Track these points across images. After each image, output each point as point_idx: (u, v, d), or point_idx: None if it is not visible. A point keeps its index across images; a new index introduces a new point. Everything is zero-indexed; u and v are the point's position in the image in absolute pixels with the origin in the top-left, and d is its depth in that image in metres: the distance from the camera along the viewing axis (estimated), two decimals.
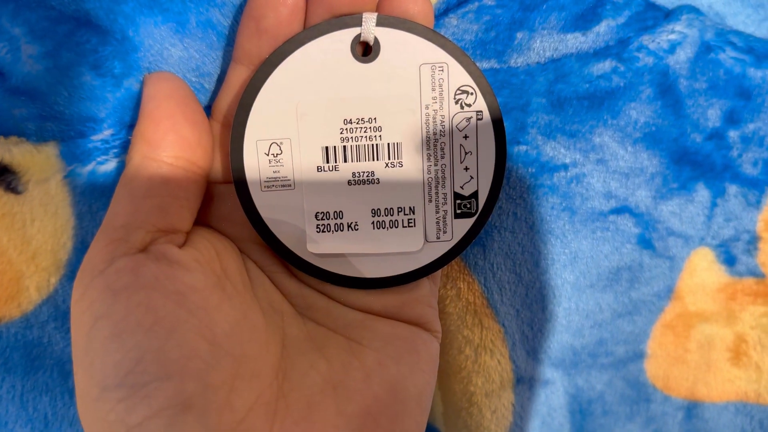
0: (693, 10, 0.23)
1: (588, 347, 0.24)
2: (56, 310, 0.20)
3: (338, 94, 0.18)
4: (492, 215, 0.22)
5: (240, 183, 0.18)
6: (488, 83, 0.18)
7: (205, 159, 0.18)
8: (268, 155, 0.18)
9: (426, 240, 0.19)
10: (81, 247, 0.20)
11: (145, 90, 0.18)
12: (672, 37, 0.22)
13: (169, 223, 0.17)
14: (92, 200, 0.20)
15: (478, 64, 0.20)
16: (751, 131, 0.24)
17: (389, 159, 0.19)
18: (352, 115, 0.18)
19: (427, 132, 0.18)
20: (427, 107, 0.18)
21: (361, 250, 0.19)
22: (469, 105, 0.18)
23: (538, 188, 0.22)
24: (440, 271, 0.21)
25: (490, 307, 0.22)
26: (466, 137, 0.18)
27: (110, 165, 0.20)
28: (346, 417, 0.17)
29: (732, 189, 0.24)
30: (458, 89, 0.18)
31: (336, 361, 0.18)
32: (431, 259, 0.19)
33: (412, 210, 0.19)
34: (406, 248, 0.19)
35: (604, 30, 0.21)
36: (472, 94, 0.18)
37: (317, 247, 0.19)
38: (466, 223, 0.19)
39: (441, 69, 0.18)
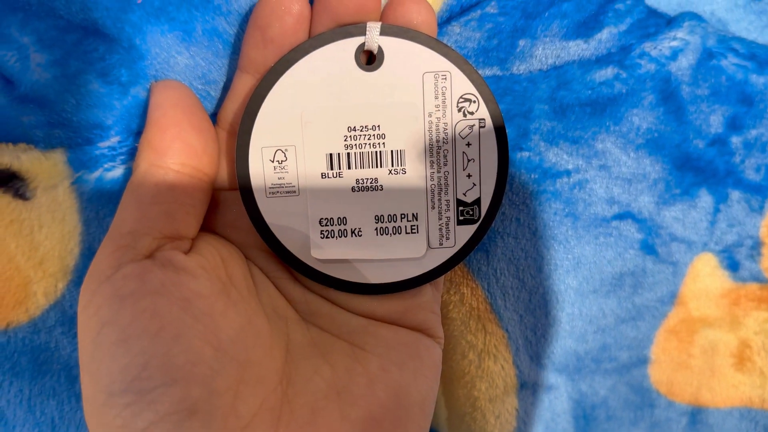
0: (695, 17, 0.23)
1: (591, 352, 0.24)
2: (63, 315, 0.20)
3: (342, 102, 0.18)
4: (495, 221, 0.22)
5: (245, 190, 0.18)
6: (490, 91, 0.18)
7: (211, 166, 0.18)
8: (273, 162, 0.18)
9: (429, 246, 0.19)
10: (88, 253, 0.20)
11: (152, 98, 0.18)
12: (674, 44, 0.22)
13: (175, 229, 0.17)
14: (99, 206, 0.20)
15: (480, 72, 0.21)
16: (754, 137, 0.24)
17: (392, 166, 0.19)
18: (356, 122, 0.18)
19: (430, 139, 0.18)
20: (430, 115, 0.18)
21: (364, 256, 0.19)
22: (471, 113, 0.18)
23: (541, 194, 0.22)
24: (443, 277, 0.21)
25: (494, 313, 0.22)
26: (468, 144, 0.19)
27: (117, 171, 0.20)
28: (350, 422, 0.17)
29: (735, 195, 0.24)
30: (461, 97, 0.18)
31: (340, 366, 0.18)
32: (434, 265, 0.19)
33: (415, 216, 0.19)
34: (409, 254, 0.19)
35: (606, 37, 0.21)
36: (474, 102, 0.18)
37: (321, 252, 0.19)
38: (469, 230, 0.19)
39: (444, 77, 0.18)
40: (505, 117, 0.21)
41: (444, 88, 0.18)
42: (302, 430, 0.16)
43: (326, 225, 0.19)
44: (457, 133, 0.18)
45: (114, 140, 0.20)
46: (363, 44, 0.18)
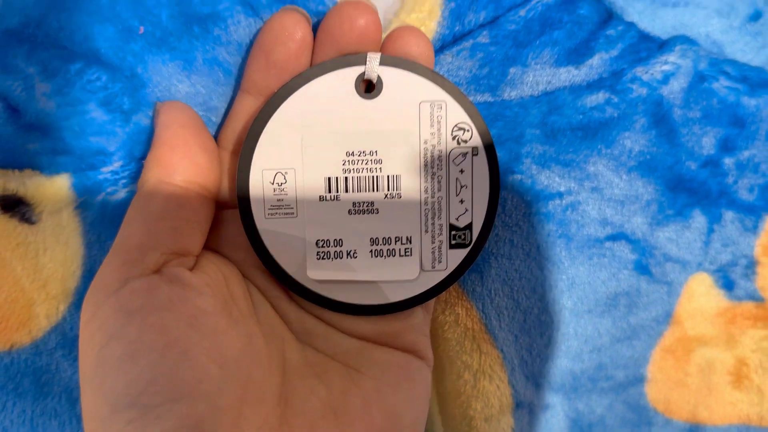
0: (687, 40, 0.23)
1: (587, 372, 0.25)
2: (64, 337, 0.21)
3: (342, 128, 0.19)
4: (489, 242, 0.22)
5: (245, 209, 0.19)
6: (483, 121, 0.19)
7: (216, 184, 0.19)
8: (272, 184, 0.19)
9: (422, 269, 0.20)
10: (89, 275, 0.21)
11: (159, 117, 0.19)
12: (665, 68, 0.22)
13: (182, 245, 0.18)
14: (101, 230, 0.21)
15: (472, 98, 0.21)
16: (746, 158, 0.24)
17: (388, 190, 0.19)
18: (355, 147, 0.19)
19: (425, 166, 0.19)
20: (425, 142, 0.19)
21: (359, 277, 0.19)
22: (465, 141, 0.19)
23: (534, 216, 0.22)
24: (433, 300, 0.21)
25: (489, 333, 0.22)
26: (461, 171, 0.19)
27: (119, 195, 0.21)
28: None
29: (728, 215, 0.24)
30: (455, 126, 0.19)
31: (335, 387, 0.18)
32: (426, 287, 0.20)
33: (409, 240, 0.19)
34: (402, 277, 0.19)
35: (597, 63, 0.21)
36: (468, 131, 0.19)
37: (317, 273, 0.19)
38: (461, 254, 0.20)
39: (440, 107, 0.19)
40: (497, 141, 0.21)
41: (439, 117, 0.19)
42: None
43: (323, 246, 0.19)
44: (450, 160, 0.19)
45: (116, 165, 0.20)
46: (363, 73, 0.18)
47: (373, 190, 0.19)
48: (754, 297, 0.26)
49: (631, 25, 0.22)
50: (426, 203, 0.19)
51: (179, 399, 0.15)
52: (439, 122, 0.19)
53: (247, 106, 0.19)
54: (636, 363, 0.25)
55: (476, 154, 0.19)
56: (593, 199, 0.22)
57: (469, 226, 0.19)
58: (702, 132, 0.23)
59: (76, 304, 0.21)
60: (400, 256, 0.19)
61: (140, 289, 0.16)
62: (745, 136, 0.24)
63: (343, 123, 0.19)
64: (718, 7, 0.27)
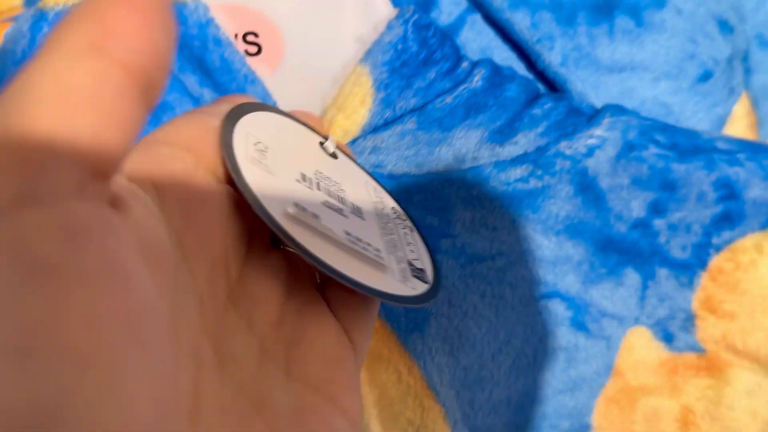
0: (617, 112, 0.25)
1: (531, 421, 0.26)
2: None
3: (314, 152, 0.20)
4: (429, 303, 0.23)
5: (228, 151, 0.17)
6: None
7: (161, 87, 0.13)
8: (255, 145, 0.18)
9: (393, 278, 0.19)
10: None
11: None
12: (590, 141, 0.24)
13: (102, 159, 0.11)
14: None
15: (403, 171, 0.23)
16: (678, 219, 0.25)
17: (352, 212, 0.19)
18: (323, 169, 0.19)
19: (377, 213, 0.20)
20: (376, 200, 0.20)
21: (333, 254, 0.17)
22: (403, 219, 0.20)
23: (469, 278, 0.24)
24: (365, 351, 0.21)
25: (431, 390, 0.24)
26: (405, 234, 0.20)
27: None
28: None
29: (662, 272, 0.26)
30: (392, 208, 0.20)
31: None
32: (399, 292, 0.18)
33: (378, 250, 0.19)
34: (376, 278, 0.18)
35: (521, 141, 0.23)
36: (403, 218, 0.20)
37: (294, 229, 0.17)
38: (424, 285, 0.19)
39: (377, 189, 0.20)
40: (428, 210, 0.23)
41: (380, 197, 0.20)
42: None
43: (301, 210, 0.17)
44: (395, 220, 0.20)
45: None
46: (321, 142, 0.20)
47: (341, 204, 0.19)
48: (696, 348, 0.27)
49: (559, 101, 0.24)
50: (384, 236, 0.19)
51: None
52: (381, 197, 0.20)
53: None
54: (580, 413, 0.27)
55: (413, 231, 0.21)
56: (524, 261, 0.24)
57: (424, 270, 0.20)
58: (630, 197, 0.25)
59: None
60: (372, 258, 0.18)
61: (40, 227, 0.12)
62: (676, 199, 0.25)
63: (314, 150, 0.20)
64: (666, 69, 0.29)
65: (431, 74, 0.22)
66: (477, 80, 0.22)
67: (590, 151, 0.24)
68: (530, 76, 0.27)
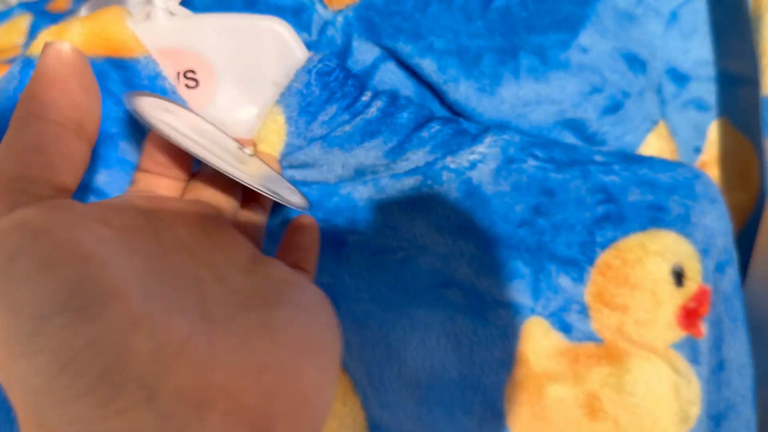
0: (499, 132, 0.30)
1: (443, 404, 0.29)
2: None
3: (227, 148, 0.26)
4: (336, 287, 0.28)
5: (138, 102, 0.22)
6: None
7: (94, 126, 0.18)
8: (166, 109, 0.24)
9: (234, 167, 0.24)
10: None
11: (42, 55, 0.18)
12: (473, 157, 0.29)
13: (60, 181, 0.17)
14: None
15: (315, 181, 0.28)
16: (560, 220, 0.30)
17: (233, 156, 0.26)
18: (227, 148, 0.26)
19: (265, 175, 0.26)
20: (272, 176, 0.26)
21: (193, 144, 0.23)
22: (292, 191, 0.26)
23: (374, 267, 0.28)
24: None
25: (341, 364, 0.28)
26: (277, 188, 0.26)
27: None
28: (277, 344, 0.18)
29: (552, 267, 0.30)
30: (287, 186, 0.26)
31: (257, 314, 0.19)
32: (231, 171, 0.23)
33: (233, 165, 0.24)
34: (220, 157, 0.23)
35: (411, 158, 0.29)
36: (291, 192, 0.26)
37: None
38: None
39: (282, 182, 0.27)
40: (334, 212, 0.28)
41: (280, 184, 0.26)
42: (237, 349, 0.17)
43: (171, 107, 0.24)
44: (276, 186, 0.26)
45: None
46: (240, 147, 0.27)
47: (225, 150, 0.25)
48: (593, 338, 0.30)
49: (447, 124, 0.30)
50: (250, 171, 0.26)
51: (113, 298, 0.15)
52: (281, 183, 0.26)
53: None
54: (490, 398, 0.29)
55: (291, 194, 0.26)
56: (422, 254, 0.28)
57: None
58: (513, 201, 0.29)
59: None
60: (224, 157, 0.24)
61: (36, 211, 0.16)
62: (557, 203, 0.30)
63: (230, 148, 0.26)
64: (574, 101, 0.31)
65: (332, 109, 0.28)
66: (372, 111, 0.28)
67: (473, 165, 0.29)
68: (443, 109, 0.33)
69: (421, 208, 0.28)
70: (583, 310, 0.30)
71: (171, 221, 0.20)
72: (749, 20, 0.31)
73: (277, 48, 0.27)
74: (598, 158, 0.30)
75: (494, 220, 0.29)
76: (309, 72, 0.28)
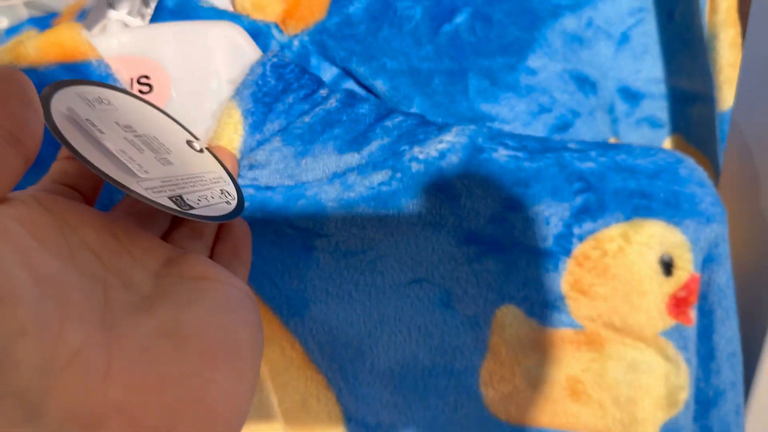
0: (466, 123, 0.29)
1: (417, 392, 0.30)
2: None
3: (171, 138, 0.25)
4: (308, 290, 0.28)
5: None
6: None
7: (34, 140, 0.18)
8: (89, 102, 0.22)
9: (139, 183, 0.21)
10: None
11: None
12: (441, 146, 0.28)
13: None
14: None
15: (277, 183, 0.28)
16: (534, 213, 0.28)
17: (156, 155, 0.23)
18: (162, 141, 0.24)
19: (192, 173, 0.24)
20: (206, 171, 0.25)
21: (92, 152, 0.21)
22: (227, 195, 0.25)
23: (344, 269, 0.28)
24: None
25: (313, 362, 0.29)
26: (207, 194, 0.24)
27: None
28: (184, 353, 0.18)
29: (524, 260, 0.29)
30: (222, 186, 0.25)
31: (165, 317, 0.18)
32: (132, 187, 0.21)
33: (146, 171, 0.22)
34: (121, 174, 0.21)
35: (376, 148, 0.27)
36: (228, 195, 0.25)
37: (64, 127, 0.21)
38: (170, 204, 0.22)
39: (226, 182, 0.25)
40: (302, 217, 0.28)
41: (221, 178, 0.25)
42: (136, 361, 0.17)
43: (73, 113, 0.21)
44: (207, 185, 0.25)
45: None
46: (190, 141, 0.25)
47: (149, 147, 0.23)
48: (572, 325, 0.30)
49: (410, 116, 0.28)
50: (174, 176, 0.23)
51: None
52: (222, 178, 0.25)
53: None
54: (465, 385, 0.30)
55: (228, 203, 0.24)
56: (393, 253, 0.28)
57: (188, 205, 0.22)
58: (485, 194, 0.28)
59: None
60: (129, 166, 0.21)
61: None
62: (531, 194, 0.28)
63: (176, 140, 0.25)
64: (523, 119, 0.32)
65: (290, 99, 0.27)
66: (332, 102, 0.27)
67: (442, 155, 0.27)
68: None
69: (392, 204, 0.27)
70: (559, 299, 0.29)
71: (78, 223, 0.19)
72: (701, 39, 0.32)
73: (230, 51, 0.26)
74: (572, 146, 0.29)
75: (465, 216, 0.28)
76: (264, 65, 0.26)
